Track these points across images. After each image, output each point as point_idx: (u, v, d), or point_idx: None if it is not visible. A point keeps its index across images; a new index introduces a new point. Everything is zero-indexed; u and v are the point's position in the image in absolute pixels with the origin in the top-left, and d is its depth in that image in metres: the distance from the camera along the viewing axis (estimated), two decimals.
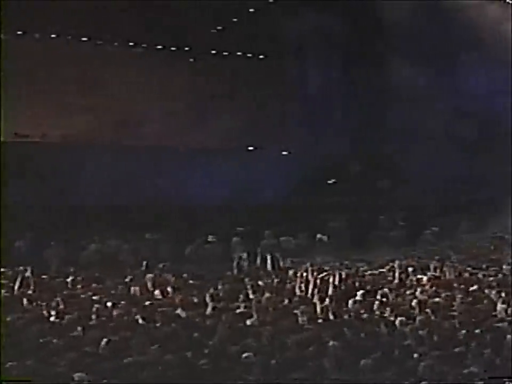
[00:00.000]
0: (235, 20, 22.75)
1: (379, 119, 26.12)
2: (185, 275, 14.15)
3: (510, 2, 27.65)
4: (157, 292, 12.83)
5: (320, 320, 10.52)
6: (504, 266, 14.60)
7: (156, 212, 18.81)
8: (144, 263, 15.27)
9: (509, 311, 10.76)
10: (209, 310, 11.08)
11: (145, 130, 21.41)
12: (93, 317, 11.02)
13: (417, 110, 26.15)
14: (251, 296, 11.85)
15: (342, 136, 24.61)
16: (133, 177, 19.62)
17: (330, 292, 12.12)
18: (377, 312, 11.06)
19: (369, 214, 20.67)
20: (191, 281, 13.79)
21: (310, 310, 10.99)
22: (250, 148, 24.95)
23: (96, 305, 11.43)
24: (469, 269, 14.24)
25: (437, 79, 26.38)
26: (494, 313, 10.93)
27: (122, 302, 11.89)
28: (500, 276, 13.62)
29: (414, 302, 11.34)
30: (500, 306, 10.80)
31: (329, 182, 24.41)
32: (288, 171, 23.11)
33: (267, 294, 11.92)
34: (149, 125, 21.47)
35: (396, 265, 13.90)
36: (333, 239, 17.85)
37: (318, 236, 17.94)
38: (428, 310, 10.93)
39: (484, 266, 15.16)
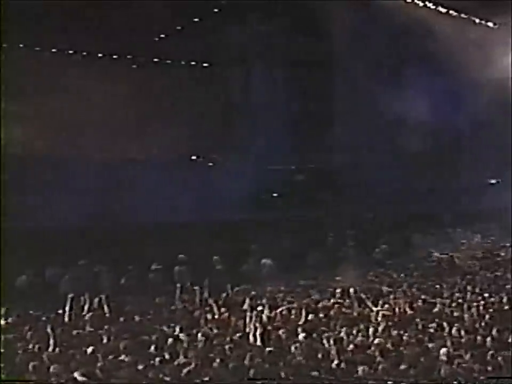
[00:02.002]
0: (178, 28, 22.05)
1: (324, 131, 25.93)
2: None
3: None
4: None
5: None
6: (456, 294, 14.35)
7: (92, 234, 17.49)
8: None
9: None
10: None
11: (84, 140, 20.50)
12: None
13: (362, 123, 26.08)
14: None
15: (287, 148, 24.25)
16: (69, 193, 18.61)
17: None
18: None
19: (317, 231, 20.26)
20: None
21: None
22: (193, 158, 24.39)
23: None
24: (423, 297, 13.88)
25: (381, 91, 26.32)
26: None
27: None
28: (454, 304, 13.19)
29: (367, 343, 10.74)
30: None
31: (274, 195, 24.11)
32: (231, 184, 22.61)
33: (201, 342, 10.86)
34: (88, 135, 20.57)
35: (347, 296, 13.50)
36: (279, 263, 17.24)
37: (264, 260, 17.30)
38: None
39: (436, 290, 14.91)
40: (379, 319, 11.85)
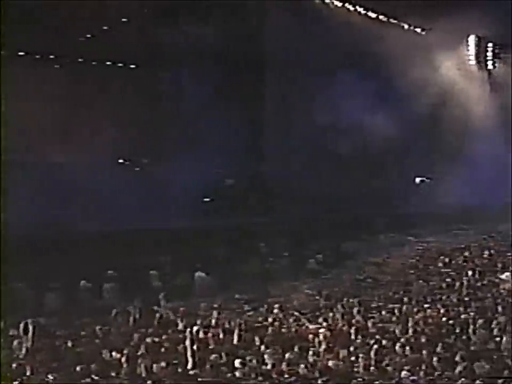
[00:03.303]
0: (106, 27, 21.16)
1: (258, 136, 25.53)
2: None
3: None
4: None
5: None
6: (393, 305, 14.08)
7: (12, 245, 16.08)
8: None
9: None
10: None
11: (6, 142, 19.32)
12: None
13: (294, 127, 25.81)
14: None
15: (218, 153, 23.68)
16: None
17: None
18: None
19: (249, 240, 19.74)
20: None
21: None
22: (121, 161, 23.52)
23: None
24: (360, 309, 13.56)
25: (314, 95, 26.15)
26: None
27: None
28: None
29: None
30: None
31: (206, 199, 23.53)
32: (162, 189, 21.91)
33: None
34: (10, 137, 19.39)
35: (284, 312, 13.05)
36: (213, 275, 16.59)
37: (197, 273, 16.61)
38: None
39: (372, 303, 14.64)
40: (319, 337, 11.39)
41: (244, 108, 24.80)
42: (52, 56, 21.20)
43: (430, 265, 19.21)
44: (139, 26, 21.96)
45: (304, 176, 25.08)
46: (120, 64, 23.24)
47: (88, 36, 20.99)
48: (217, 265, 17.31)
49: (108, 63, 22.76)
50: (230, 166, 24.43)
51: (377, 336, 11.45)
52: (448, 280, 16.93)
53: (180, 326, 12.23)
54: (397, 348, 11.06)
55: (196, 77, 23.70)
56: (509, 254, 20.70)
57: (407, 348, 10.87)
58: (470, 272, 17.92)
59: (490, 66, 32.67)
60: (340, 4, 26.82)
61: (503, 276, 17.17)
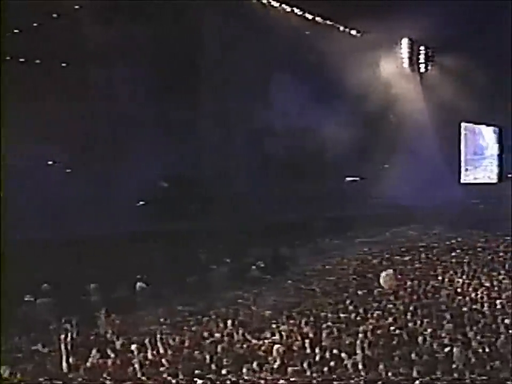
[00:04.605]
0: (35, 24, 20.09)
1: (190, 137, 24.88)
2: None
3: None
4: None
5: None
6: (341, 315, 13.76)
7: None
8: None
9: None
10: None
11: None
12: None
13: (231, 129, 25.33)
14: None
15: (152, 156, 22.93)
16: None
17: None
18: None
19: (188, 247, 19.10)
20: None
21: None
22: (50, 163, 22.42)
23: None
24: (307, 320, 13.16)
25: (250, 97, 25.78)
26: None
27: None
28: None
29: None
30: None
31: (140, 203, 22.77)
32: (93, 193, 21.00)
33: None
34: None
35: (229, 325, 12.51)
36: (154, 285, 15.83)
37: (138, 284, 15.81)
38: None
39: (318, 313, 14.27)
40: (272, 353, 10.89)
41: (178, 109, 24.14)
42: None
43: (372, 270, 19.05)
44: (71, 23, 20.97)
45: (240, 180, 24.68)
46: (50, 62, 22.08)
47: (16, 31, 19.87)
48: (157, 274, 16.55)
49: (37, 61, 21.61)
50: (164, 169, 23.78)
51: (334, 351, 11.02)
52: None
53: (117, 345, 11.42)
54: (350, 363, 10.70)
55: (129, 76, 22.88)
56: (449, 255, 20.94)
57: (364, 362, 10.51)
58: (411, 277, 17.90)
59: (422, 69, 33.15)
60: (276, 5, 26.48)
61: (383, 274, 17.18)
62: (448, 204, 29.96)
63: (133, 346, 11.58)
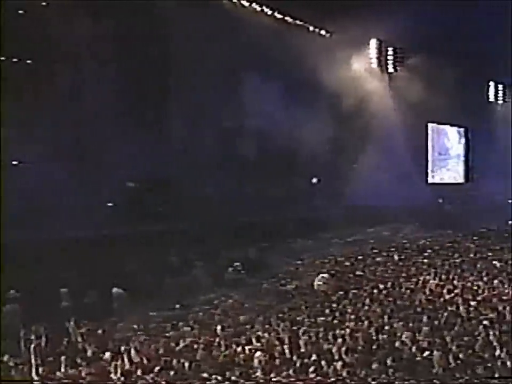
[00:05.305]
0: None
1: (160, 138, 24.50)
2: None
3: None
4: None
5: None
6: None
7: None
8: None
9: None
10: None
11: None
12: None
13: (199, 130, 25.04)
14: None
15: (120, 156, 22.48)
16: None
17: None
18: None
19: (159, 250, 18.73)
20: None
21: None
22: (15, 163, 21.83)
23: None
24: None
25: (218, 97, 25.50)
26: None
27: None
28: None
29: None
30: None
31: (109, 205, 22.33)
32: (61, 195, 20.47)
33: None
34: None
35: (207, 331, 12.22)
36: (126, 291, 15.41)
37: (113, 290, 15.39)
38: None
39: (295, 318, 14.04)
40: (253, 360, 10.65)
41: (148, 110, 23.74)
42: None
43: (345, 272, 18.96)
44: (36, 20, 20.44)
45: (211, 181, 24.40)
46: (15, 60, 21.52)
47: None
48: (129, 278, 16.16)
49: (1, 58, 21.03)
50: (133, 170, 23.37)
51: (313, 357, 10.83)
52: (366, 288, 16.69)
53: (89, 353, 11.04)
54: (329, 369, 10.52)
55: (96, 75, 22.41)
56: (421, 256, 20.99)
57: (345, 370, 10.34)
58: (385, 279, 17.86)
59: (391, 70, 33.31)
60: (247, 4, 26.26)
61: (318, 277, 17.24)
62: (417, 204, 30.19)
63: (107, 355, 11.25)
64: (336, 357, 11.02)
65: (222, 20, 24.97)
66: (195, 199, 23.23)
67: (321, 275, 17.36)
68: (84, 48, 22.06)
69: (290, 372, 10.16)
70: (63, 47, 21.55)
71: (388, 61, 32.97)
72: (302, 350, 11.53)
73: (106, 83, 22.27)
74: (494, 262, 19.70)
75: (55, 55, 21.67)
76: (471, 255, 21.31)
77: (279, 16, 27.60)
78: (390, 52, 32.93)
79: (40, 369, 10.45)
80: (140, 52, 22.74)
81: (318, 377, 10.07)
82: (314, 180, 31.29)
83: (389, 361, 10.78)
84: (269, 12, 27.16)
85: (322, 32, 29.92)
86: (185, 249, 19.43)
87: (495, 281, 16.92)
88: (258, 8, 26.82)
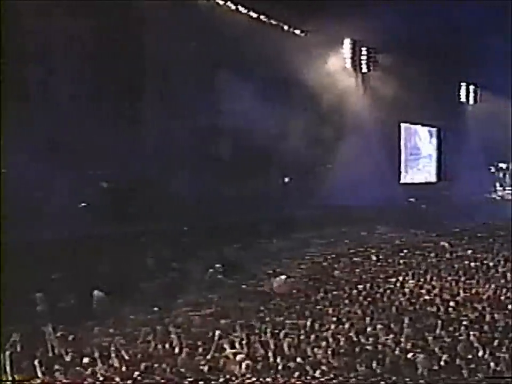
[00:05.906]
0: None
1: (133, 137, 24.18)
2: None
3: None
4: None
5: None
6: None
7: None
8: None
9: None
10: None
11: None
12: None
13: (174, 128, 24.75)
14: None
15: (94, 156, 22.14)
16: None
17: None
18: None
19: (135, 251, 18.44)
20: None
21: None
22: None
23: None
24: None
25: (193, 96, 25.28)
26: None
27: None
28: None
29: None
30: None
31: (82, 205, 21.99)
32: (32, 195, 20.06)
33: None
34: None
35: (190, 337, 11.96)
36: (108, 293, 15.05)
37: (95, 292, 15.03)
38: None
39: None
40: (239, 366, 10.44)
41: (121, 108, 23.41)
42: None
43: (323, 273, 18.88)
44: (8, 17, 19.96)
45: (185, 181, 24.15)
46: None
47: None
48: (105, 281, 15.82)
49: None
50: (106, 169, 23.05)
51: (298, 360, 10.67)
52: (345, 289, 16.61)
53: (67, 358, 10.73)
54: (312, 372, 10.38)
55: (68, 75, 22.02)
56: (398, 256, 21.01)
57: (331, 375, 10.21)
58: (363, 280, 17.81)
59: (364, 69, 33.40)
60: (221, 3, 26.08)
61: (276, 279, 17.22)
62: (390, 204, 30.33)
63: (85, 360, 10.97)
64: (321, 360, 10.90)
65: (197, 18, 24.76)
66: (169, 199, 22.99)
67: (279, 277, 17.31)
68: (57, 46, 21.69)
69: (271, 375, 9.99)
70: (36, 44, 21.17)
71: (362, 61, 33.04)
72: (286, 352, 11.38)
73: (78, 83, 21.93)
74: (470, 262, 19.82)
75: (27, 52, 21.28)
76: (447, 255, 21.39)
77: (254, 15, 27.46)
78: (364, 51, 33.00)
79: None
80: (112, 50, 22.39)
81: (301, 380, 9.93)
82: (286, 179, 31.31)
83: (374, 364, 10.70)
84: (244, 11, 26.99)
85: (297, 31, 29.84)
86: (161, 250, 19.14)
87: (473, 281, 16.99)
88: (234, 7, 26.62)
